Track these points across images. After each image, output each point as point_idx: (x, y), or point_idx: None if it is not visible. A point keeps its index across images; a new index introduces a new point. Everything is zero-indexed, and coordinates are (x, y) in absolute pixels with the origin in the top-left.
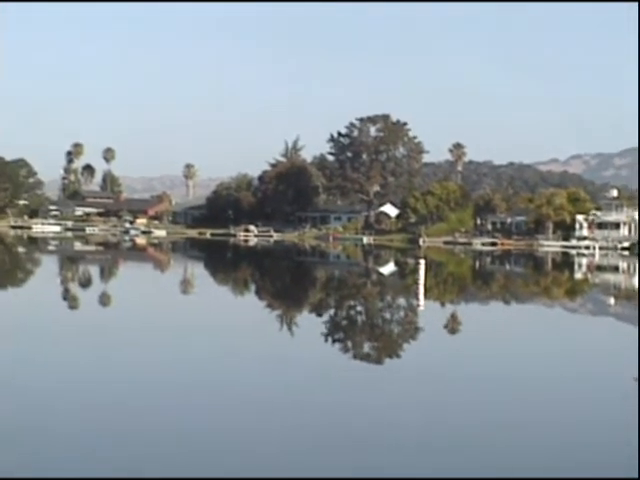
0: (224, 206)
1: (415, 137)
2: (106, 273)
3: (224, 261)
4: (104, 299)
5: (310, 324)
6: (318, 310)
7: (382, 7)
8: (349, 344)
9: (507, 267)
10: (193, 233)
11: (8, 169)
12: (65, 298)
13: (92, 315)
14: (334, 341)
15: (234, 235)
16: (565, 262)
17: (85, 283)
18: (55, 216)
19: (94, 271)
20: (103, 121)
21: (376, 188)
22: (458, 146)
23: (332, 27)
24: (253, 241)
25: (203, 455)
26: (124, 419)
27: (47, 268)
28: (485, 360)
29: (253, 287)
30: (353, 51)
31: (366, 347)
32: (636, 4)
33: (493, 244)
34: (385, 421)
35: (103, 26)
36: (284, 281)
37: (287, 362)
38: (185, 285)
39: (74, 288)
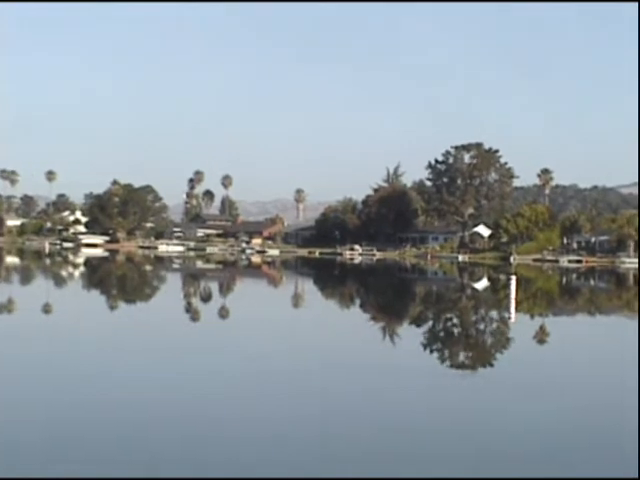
0: (331, 227)
1: (506, 163)
2: (225, 288)
3: (332, 277)
4: (223, 312)
5: (411, 334)
6: (418, 322)
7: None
8: (447, 353)
9: (591, 283)
10: (303, 252)
11: (137, 195)
12: (188, 310)
13: (213, 326)
14: (432, 350)
15: (340, 254)
16: None
17: (206, 297)
18: (178, 237)
19: (214, 287)
20: (222, 149)
21: (470, 210)
22: (546, 171)
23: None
24: (358, 259)
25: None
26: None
27: (173, 284)
28: (575, 369)
29: (359, 301)
30: (448, 84)
31: (462, 356)
32: None
33: (578, 262)
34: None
35: (218, 61)
36: (387, 295)
37: (392, 370)
38: (297, 299)
39: (197, 302)
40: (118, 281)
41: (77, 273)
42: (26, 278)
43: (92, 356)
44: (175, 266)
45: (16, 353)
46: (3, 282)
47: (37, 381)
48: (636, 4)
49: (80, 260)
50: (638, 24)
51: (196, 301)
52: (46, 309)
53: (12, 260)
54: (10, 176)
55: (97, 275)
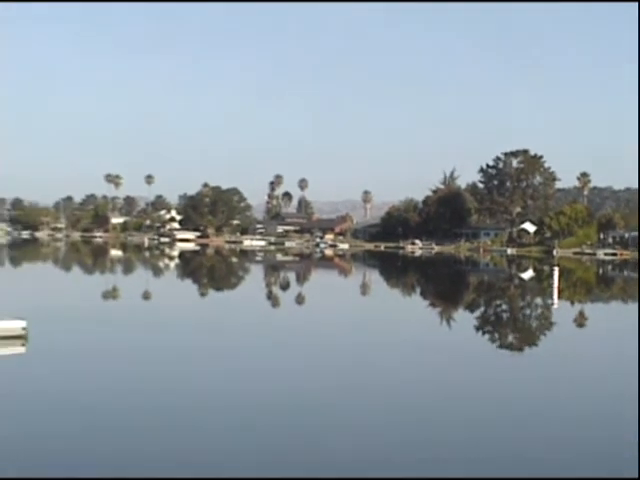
0: (395, 224)
1: (549, 167)
2: (302, 278)
3: (396, 268)
4: (299, 299)
5: (466, 317)
6: (473, 307)
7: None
8: (497, 335)
9: (625, 273)
10: (370, 246)
11: (224, 196)
12: (269, 297)
13: (291, 310)
14: (485, 332)
15: (403, 247)
16: None
17: (284, 285)
18: (261, 233)
19: (292, 276)
20: (299, 155)
21: (518, 209)
22: (584, 175)
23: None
24: (418, 252)
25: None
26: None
27: (257, 273)
28: (608, 348)
29: (420, 288)
30: (498, 93)
31: (510, 337)
32: None
33: (613, 254)
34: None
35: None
36: (445, 284)
37: (450, 350)
38: (364, 287)
39: (277, 289)
40: (208, 271)
41: (172, 264)
42: (129, 268)
43: (195, 335)
44: (258, 258)
45: (136, 332)
46: (109, 272)
47: (149, 355)
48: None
49: (175, 253)
50: None
51: (277, 288)
52: (145, 296)
53: (116, 253)
54: (114, 180)
55: (190, 266)
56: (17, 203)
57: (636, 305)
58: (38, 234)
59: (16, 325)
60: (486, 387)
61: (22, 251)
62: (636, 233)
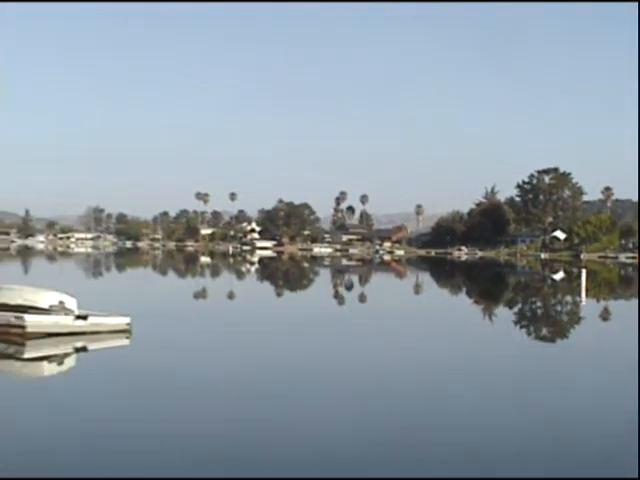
0: (443, 233)
1: (577, 183)
2: (364, 279)
3: (445, 271)
4: (362, 298)
5: (507, 313)
6: (511, 304)
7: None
8: (532, 328)
9: None
10: (422, 252)
11: (297, 210)
12: (335, 296)
13: (356, 307)
14: (522, 326)
15: (450, 253)
16: None
17: (348, 286)
18: (328, 241)
19: (354, 277)
20: (361, 173)
21: (549, 219)
22: (607, 189)
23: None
24: (464, 257)
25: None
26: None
27: (326, 275)
28: (631, 341)
29: (466, 288)
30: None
31: (544, 330)
32: None
33: (633, 258)
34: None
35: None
36: (487, 283)
37: (492, 342)
38: (418, 287)
39: (342, 289)
40: (284, 274)
41: (253, 268)
42: (216, 271)
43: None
44: (326, 263)
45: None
46: (199, 275)
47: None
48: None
49: (255, 259)
50: None
51: (342, 289)
52: (230, 295)
53: (205, 259)
54: (203, 197)
55: (268, 270)
56: (121, 218)
57: None
58: (139, 244)
59: (122, 321)
60: (515, 375)
61: (126, 258)
62: None
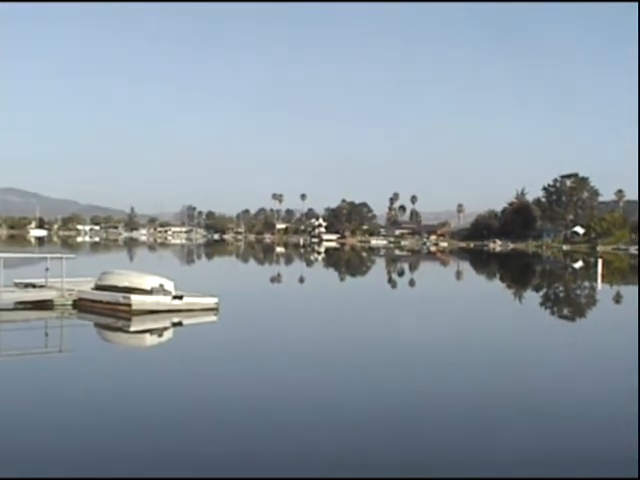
0: (481, 228)
1: (594, 186)
2: (413, 265)
3: (481, 260)
4: (412, 283)
5: (531, 297)
6: (537, 288)
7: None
8: (554, 310)
9: None
10: (462, 244)
11: (357, 209)
12: (389, 281)
13: (408, 291)
14: (549, 307)
15: (486, 245)
16: None
17: (400, 272)
18: (383, 235)
19: (405, 265)
20: (412, 176)
21: (570, 217)
22: (620, 191)
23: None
24: (498, 249)
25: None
26: None
27: (380, 263)
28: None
29: (499, 274)
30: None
31: (565, 310)
32: None
33: None
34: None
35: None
36: (518, 270)
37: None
38: (459, 273)
39: (397, 276)
40: (346, 262)
41: (320, 257)
42: (290, 259)
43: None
44: (381, 253)
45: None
46: (275, 263)
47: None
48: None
49: (322, 249)
50: None
51: (396, 276)
52: (301, 279)
53: (280, 249)
54: (278, 197)
55: (333, 258)
56: (210, 214)
57: None
58: (225, 236)
59: (211, 300)
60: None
61: (214, 248)
62: None
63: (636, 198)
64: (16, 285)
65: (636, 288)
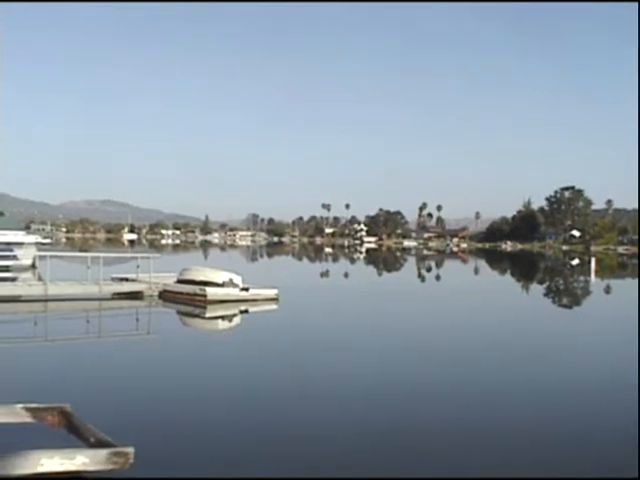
0: (495, 232)
1: (587, 197)
2: (438, 263)
3: (496, 258)
4: (438, 277)
5: (537, 288)
6: (541, 281)
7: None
8: (556, 299)
9: (634, 261)
10: (479, 245)
11: (392, 216)
12: (419, 276)
13: (436, 283)
14: (551, 297)
15: (499, 246)
16: None
17: (428, 268)
18: (414, 238)
19: (432, 262)
20: (438, 189)
21: (569, 222)
22: (609, 201)
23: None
24: (509, 249)
25: None
26: None
27: (412, 261)
28: (628, 308)
29: (509, 269)
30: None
31: (565, 300)
32: None
33: (627, 250)
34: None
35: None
36: (524, 266)
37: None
38: (476, 270)
39: (424, 272)
40: (384, 259)
41: (361, 256)
42: (336, 258)
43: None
44: (412, 252)
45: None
46: (324, 260)
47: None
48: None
49: (363, 250)
50: None
51: (424, 272)
52: (346, 274)
53: (328, 250)
54: (327, 206)
55: (373, 256)
56: (271, 221)
57: None
58: (283, 239)
59: (272, 292)
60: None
61: (273, 249)
62: None
63: (622, 206)
64: (113, 279)
65: (624, 281)
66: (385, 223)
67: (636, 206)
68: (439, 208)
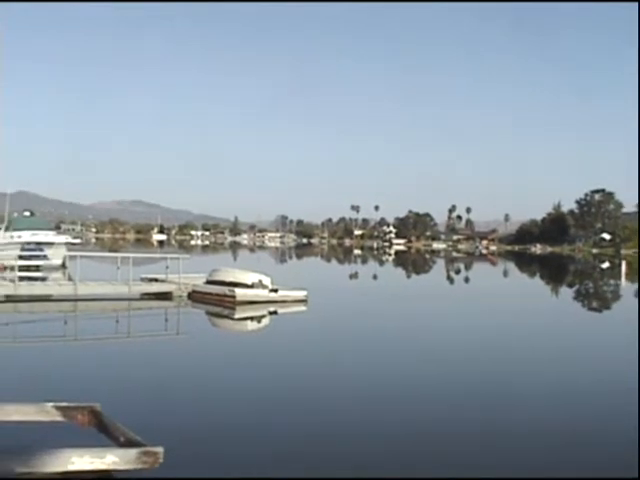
0: (524, 234)
1: (618, 199)
2: (467, 265)
3: (525, 261)
4: (467, 280)
5: (566, 291)
6: (571, 284)
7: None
8: (585, 302)
9: None
10: (509, 248)
11: (421, 218)
12: (448, 278)
13: (462, 285)
14: (581, 300)
15: (529, 249)
16: None
17: (457, 271)
18: (443, 240)
19: (461, 265)
20: (469, 191)
21: (599, 225)
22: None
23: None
24: (538, 252)
25: None
26: None
27: (440, 263)
28: None
29: (539, 273)
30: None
31: (594, 303)
32: None
33: None
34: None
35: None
36: (554, 269)
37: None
38: (506, 272)
39: (453, 274)
40: (412, 262)
41: (390, 258)
42: (365, 260)
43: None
44: (441, 255)
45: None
46: (353, 262)
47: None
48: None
49: (392, 252)
50: None
51: (453, 273)
52: (375, 276)
53: (357, 251)
54: (356, 208)
55: (402, 259)
56: (300, 222)
57: None
58: (312, 240)
59: (301, 293)
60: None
61: (302, 251)
62: None
63: None
64: (142, 279)
65: None
66: (414, 225)
67: None
68: (468, 210)
